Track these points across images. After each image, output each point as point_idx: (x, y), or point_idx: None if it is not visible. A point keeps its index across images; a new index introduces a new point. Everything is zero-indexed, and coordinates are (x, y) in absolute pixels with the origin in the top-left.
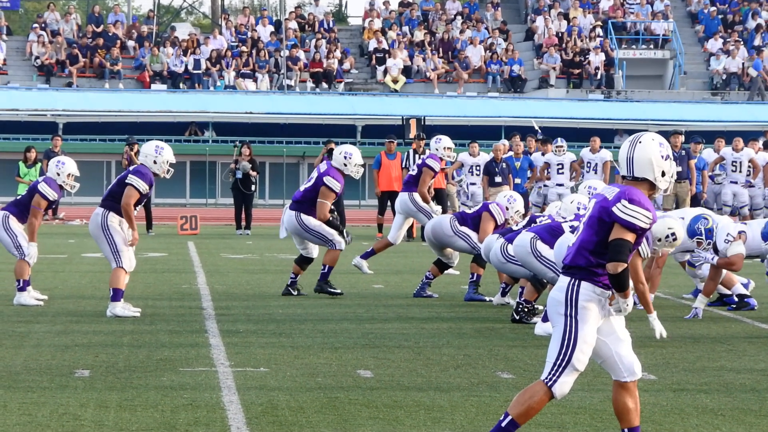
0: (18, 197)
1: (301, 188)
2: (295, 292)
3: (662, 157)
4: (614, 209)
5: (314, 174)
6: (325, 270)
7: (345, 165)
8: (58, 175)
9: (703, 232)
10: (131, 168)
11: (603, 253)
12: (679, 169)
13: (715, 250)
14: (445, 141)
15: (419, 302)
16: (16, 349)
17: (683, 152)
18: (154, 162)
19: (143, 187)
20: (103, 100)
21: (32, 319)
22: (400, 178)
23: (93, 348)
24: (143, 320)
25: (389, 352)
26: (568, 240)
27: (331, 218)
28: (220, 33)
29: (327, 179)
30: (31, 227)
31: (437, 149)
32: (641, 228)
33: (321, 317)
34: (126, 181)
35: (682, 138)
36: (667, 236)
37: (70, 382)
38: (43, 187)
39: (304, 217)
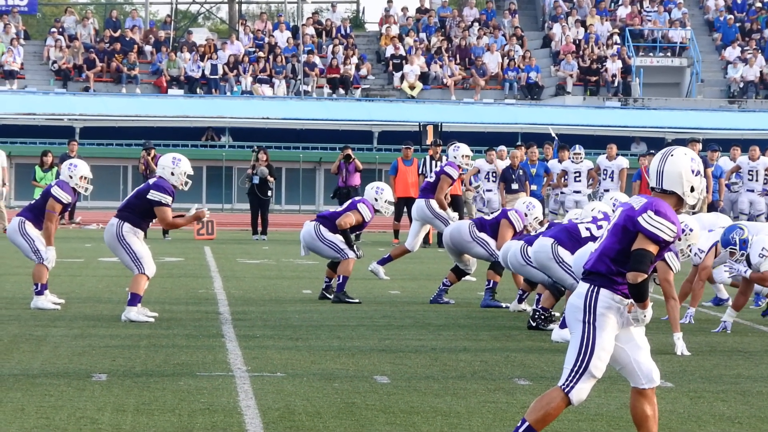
0: (32, 202)
1: (331, 209)
2: (331, 296)
3: (692, 172)
4: (640, 219)
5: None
6: (341, 281)
7: (376, 200)
8: (71, 177)
9: (737, 242)
10: (150, 182)
11: (624, 262)
12: None
13: (748, 263)
14: (464, 149)
15: (436, 308)
16: (33, 353)
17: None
18: (172, 174)
19: (167, 199)
20: (120, 105)
21: (49, 323)
22: (416, 184)
23: (110, 352)
24: (160, 324)
25: (406, 357)
26: (588, 249)
27: (347, 231)
28: (237, 38)
29: (361, 206)
30: (47, 231)
31: (455, 157)
32: (664, 240)
33: (338, 322)
34: (149, 197)
35: (699, 146)
36: (682, 230)
37: (87, 385)
38: (56, 191)
39: (323, 228)
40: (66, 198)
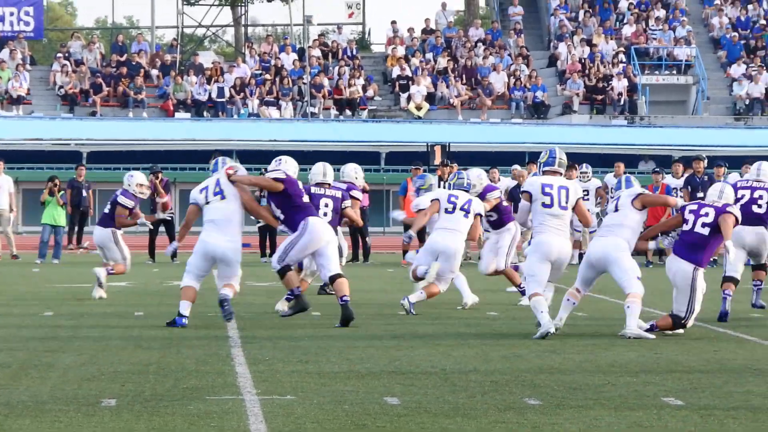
0: (104, 212)
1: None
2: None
3: None
4: None
5: None
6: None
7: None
8: (129, 185)
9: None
10: (118, 192)
11: None
12: (702, 194)
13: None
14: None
15: (446, 329)
16: (42, 379)
17: (705, 177)
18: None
19: (129, 203)
20: (127, 129)
21: (58, 348)
22: None
23: (119, 377)
24: (169, 348)
25: (416, 378)
26: None
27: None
28: (244, 61)
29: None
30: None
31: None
32: None
33: (347, 344)
34: (118, 201)
35: (704, 164)
36: None
37: (97, 411)
38: (121, 199)
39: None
40: (129, 203)
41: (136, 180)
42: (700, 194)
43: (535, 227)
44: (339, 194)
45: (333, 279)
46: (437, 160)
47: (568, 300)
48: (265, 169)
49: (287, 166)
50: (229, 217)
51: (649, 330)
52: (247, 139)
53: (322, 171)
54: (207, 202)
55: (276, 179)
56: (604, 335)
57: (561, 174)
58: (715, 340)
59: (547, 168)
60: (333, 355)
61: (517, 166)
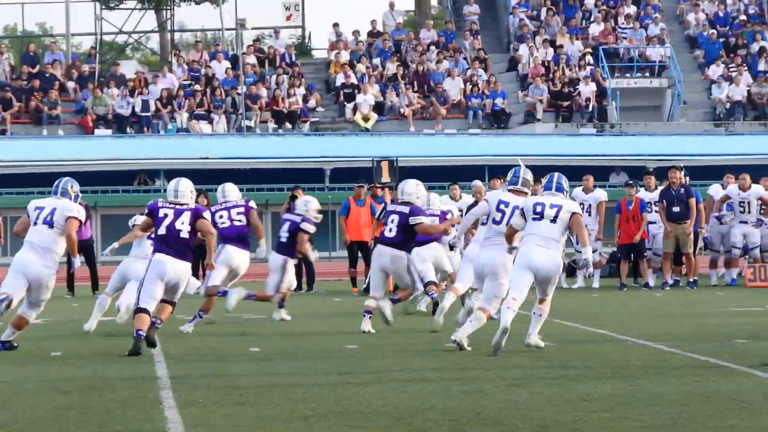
0: (282, 240)
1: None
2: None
3: None
4: None
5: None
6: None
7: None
8: (307, 211)
9: None
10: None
11: None
12: (677, 209)
13: None
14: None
15: (400, 363)
16: None
17: (682, 190)
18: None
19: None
20: (41, 149)
21: None
22: (370, 225)
23: (36, 424)
24: (91, 391)
25: (365, 419)
26: None
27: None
28: (171, 71)
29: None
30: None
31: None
32: None
33: (290, 381)
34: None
35: (680, 174)
36: None
37: None
38: (305, 225)
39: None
40: (312, 229)
41: (314, 206)
42: (676, 208)
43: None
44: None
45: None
46: (385, 178)
47: (534, 313)
48: (197, 190)
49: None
50: (50, 247)
51: None
52: (175, 157)
53: (222, 191)
54: (35, 223)
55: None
56: (575, 366)
57: (526, 194)
58: (696, 369)
59: (511, 187)
60: (274, 396)
61: (477, 182)
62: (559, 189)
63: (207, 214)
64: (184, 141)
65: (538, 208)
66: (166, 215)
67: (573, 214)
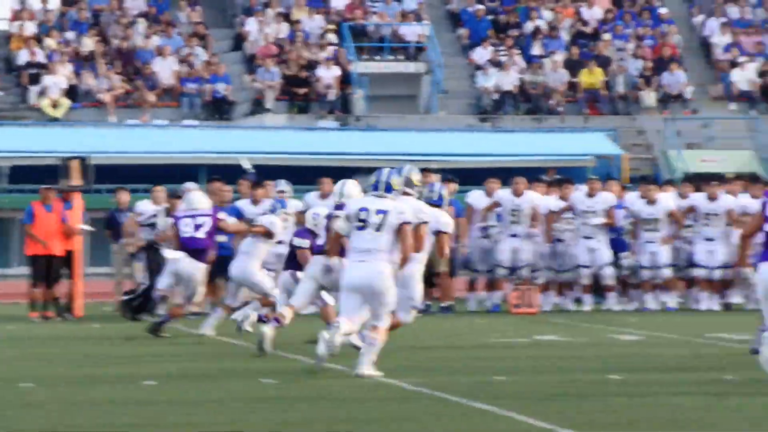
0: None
1: None
2: None
3: None
4: None
5: None
6: None
7: None
8: (316, 225)
9: None
10: None
11: None
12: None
13: None
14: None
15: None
16: None
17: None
18: None
19: None
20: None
21: None
22: (60, 234)
23: None
24: None
25: None
26: None
27: None
28: None
29: None
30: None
31: None
32: None
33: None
34: None
35: (433, 177)
36: None
37: None
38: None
39: None
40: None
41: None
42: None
43: None
44: None
45: None
46: (75, 180)
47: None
48: None
49: None
50: None
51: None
52: None
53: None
54: None
55: None
56: (299, 410)
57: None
58: (444, 410)
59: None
60: None
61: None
62: (388, 189)
63: None
64: None
65: (363, 215)
66: None
67: (402, 223)
